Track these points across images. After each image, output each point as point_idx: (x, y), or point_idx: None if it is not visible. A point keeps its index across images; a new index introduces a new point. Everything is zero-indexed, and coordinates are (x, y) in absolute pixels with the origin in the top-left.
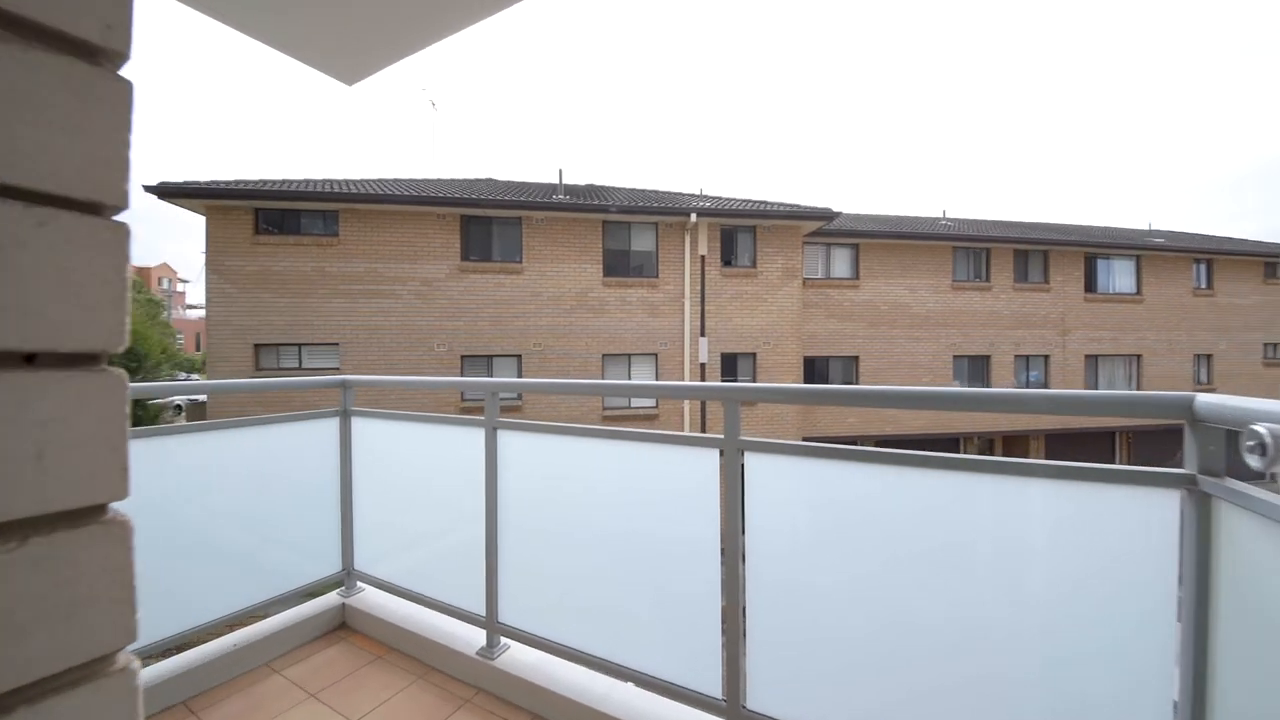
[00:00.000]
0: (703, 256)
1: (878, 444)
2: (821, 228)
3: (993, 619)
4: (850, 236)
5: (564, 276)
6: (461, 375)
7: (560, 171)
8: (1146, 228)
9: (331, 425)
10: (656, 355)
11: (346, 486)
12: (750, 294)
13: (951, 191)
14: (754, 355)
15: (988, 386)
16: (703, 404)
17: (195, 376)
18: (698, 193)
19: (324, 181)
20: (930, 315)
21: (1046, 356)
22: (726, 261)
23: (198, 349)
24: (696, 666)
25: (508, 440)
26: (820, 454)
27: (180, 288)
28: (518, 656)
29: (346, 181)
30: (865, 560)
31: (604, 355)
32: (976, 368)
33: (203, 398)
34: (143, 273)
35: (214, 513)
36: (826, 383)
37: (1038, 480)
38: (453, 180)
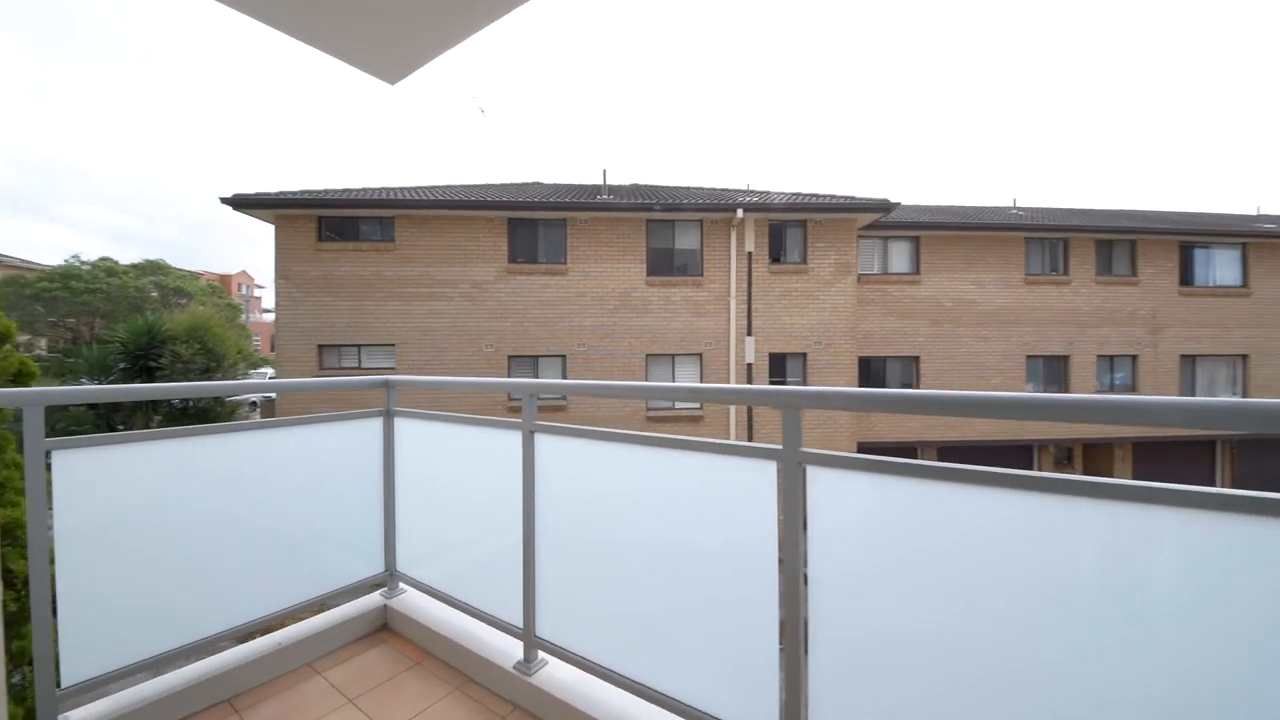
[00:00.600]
0: (749, 253)
1: (939, 451)
2: (878, 220)
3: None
4: (910, 229)
5: (607, 276)
6: (509, 375)
7: (604, 172)
8: (1255, 213)
9: (375, 425)
10: (701, 355)
11: (389, 486)
12: (800, 291)
13: (1017, 181)
14: (804, 356)
15: (1066, 390)
16: (749, 409)
17: (269, 374)
18: (744, 188)
19: (381, 190)
20: (1000, 312)
21: (1134, 357)
22: (775, 258)
23: (272, 349)
24: (749, 701)
25: (546, 445)
26: (903, 471)
27: (257, 293)
28: (555, 674)
29: (401, 189)
30: (966, 602)
31: (647, 355)
32: (1053, 369)
33: (274, 395)
34: (224, 280)
35: (262, 510)
36: (884, 385)
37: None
38: (500, 185)
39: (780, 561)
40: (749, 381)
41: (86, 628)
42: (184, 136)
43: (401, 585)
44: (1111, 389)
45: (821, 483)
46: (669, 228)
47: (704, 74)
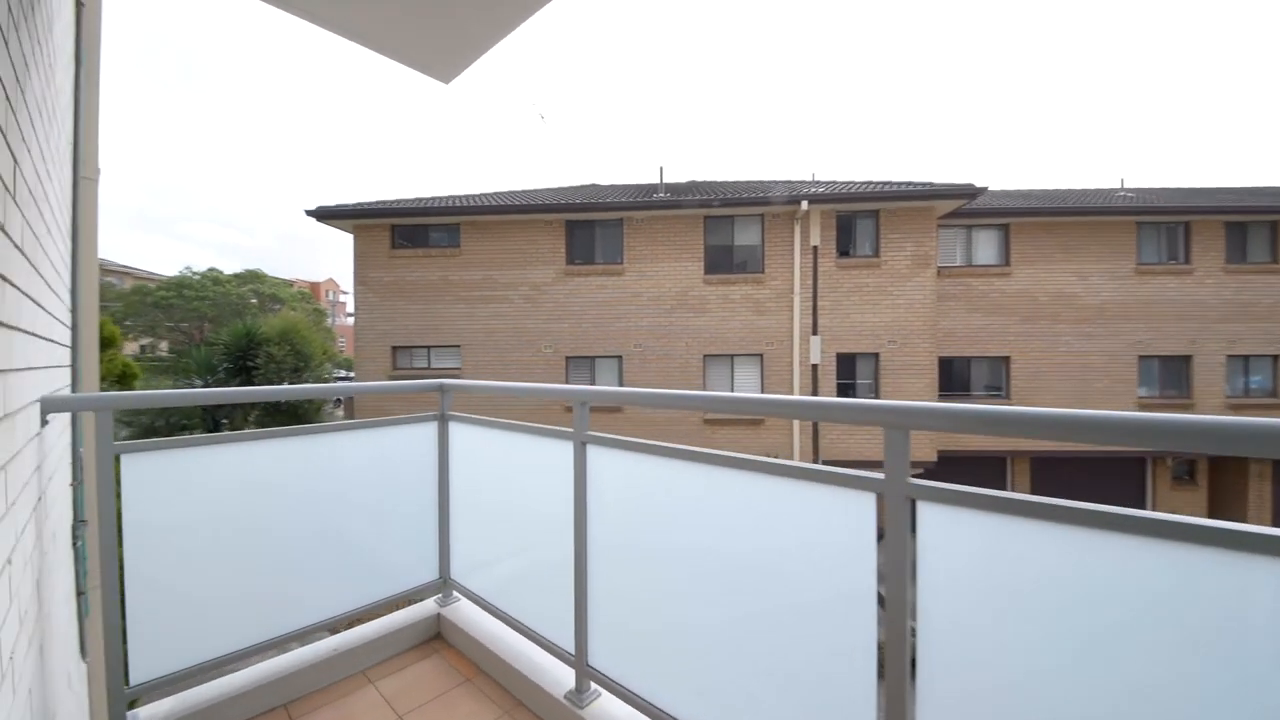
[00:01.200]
0: (815, 247)
1: (1034, 462)
2: (961, 208)
3: None
4: (998, 216)
5: (664, 276)
6: (566, 376)
7: (660, 170)
8: None
9: (430, 429)
10: (762, 356)
11: (444, 492)
12: (872, 286)
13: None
14: (876, 356)
15: (1187, 393)
16: None
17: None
18: (809, 179)
19: (448, 198)
20: (1107, 306)
21: (1275, 357)
22: (843, 251)
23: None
24: None
25: (599, 457)
26: (1053, 516)
27: (341, 298)
28: (609, 709)
29: (465, 197)
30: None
31: (705, 356)
32: (1172, 372)
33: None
34: (314, 287)
35: (321, 514)
36: (968, 389)
37: None
38: (558, 189)
39: (880, 609)
40: (814, 385)
41: (152, 628)
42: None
43: (455, 594)
44: (1246, 393)
45: (934, 522)
46: (728, 224)
47: (763, 65)
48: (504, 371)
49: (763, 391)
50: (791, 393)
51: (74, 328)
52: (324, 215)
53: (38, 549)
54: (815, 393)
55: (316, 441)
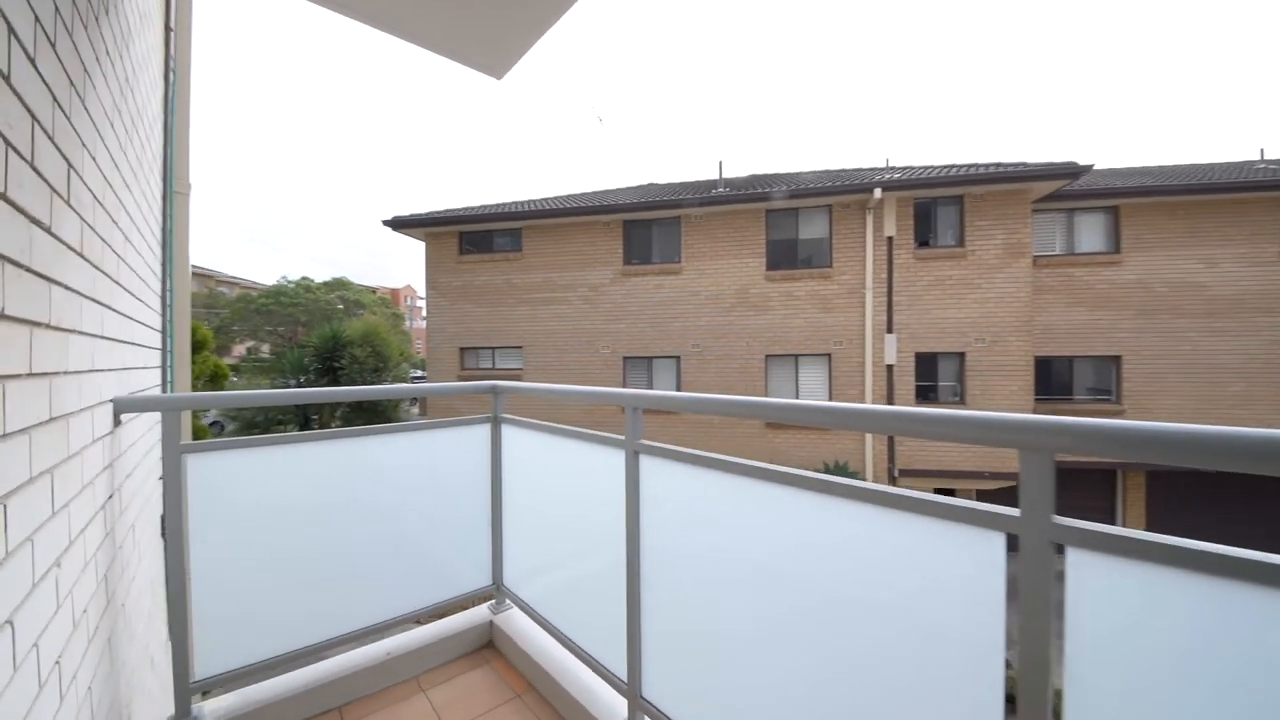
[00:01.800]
0: (889, 238)
1: (1149, 477)
2: (1061, 189)
3: None
4: (1105, 197)
5: (723, 273)
6: (624, 376)
7: (720, 164)
8: None
9: (483, 431)
10: (829, 356)
11: (496, 495)
12: (956, 279)
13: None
14: (961, 356)
15: None
16: None
17: (426, 375)
18: (882, 165)
19: (510, 204)
20: (1243, 298)
21: None
22: (922, 242)
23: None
24: None
25: (653, 468)
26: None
27: (418, 303)
28: None
29: (527, 202)
30: None
31: (767, 356)
32: None
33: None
34: (394, 293)
35: (378, 515)
36: (1069, 393)
37: None
38: (616, 190)
39: (1011, 676)
40: (889, 387)
41: (216, 625)
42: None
43: (507, 602)
44: None
45: (1090, 574)
46: (791, 217)
47: (828, 51)
48: (563, 372)
49: (831, 396)
50: (864, 396)
51: (166, 332)
52: (398, 225)
53: (109, 544)
54: (891, 397)
55: (372, 443)
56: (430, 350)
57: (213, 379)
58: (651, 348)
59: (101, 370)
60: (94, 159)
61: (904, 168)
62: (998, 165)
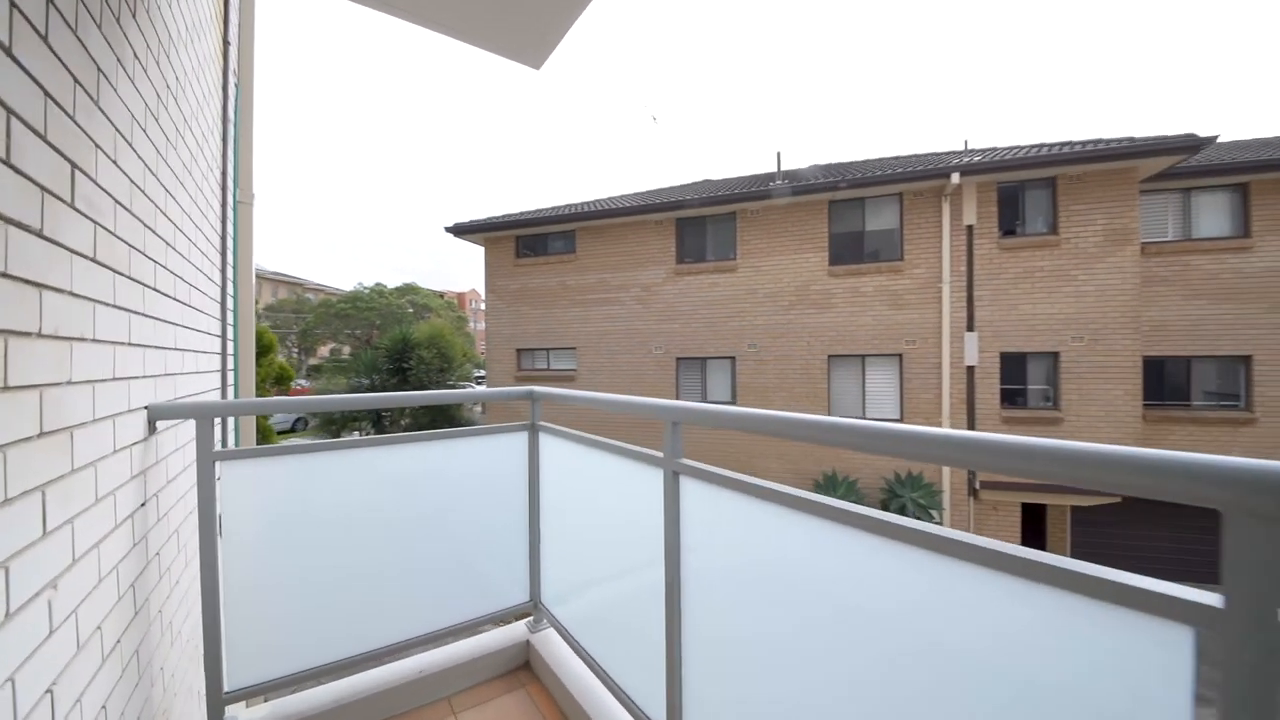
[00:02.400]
0: (969, 227)
1: None
2: (1175, 166)
3: None
4: (1231, 173)
5: (781, 270)
6: (676, 377)
7: (778, 155)
8: None
9: (520, 440)
10: (900, 356)
11: (534, 507)
12: (1048, 270)
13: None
14: (1054, 356)
15: None
16: (970, 421)
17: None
18: (960, 148)
19: (563, 207)
20: None
21: None
22: (1008, 230)
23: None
24: None
25: (695, 493)
26: None
27: (481, 306)
28: None
29: (581, 204)
30: None
31: (830, 357)
32: None
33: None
34: (460, 297)
35: (412, 526)
36: (1186, 398)
37: None
38: (669, 188)
39: None
40: (969, 391)
41: (248, 636)
42: (424, 176)
43: (545, 621)
44: None
45: None
46: (857, 208)
47: (892, 34)
48: (615, 373)
49: (901, 399)
50: (940, 400)
51: (225, 337)
52: (459, 231)
53: (139, 554)
54: (971, 402)
55: (407, 451)
56: (489, 352)
57: (278, 381)
58: (705, 348)
59: (131, 378)
60: (113, 162)
61: (984, 149)
62: (1097, 142)
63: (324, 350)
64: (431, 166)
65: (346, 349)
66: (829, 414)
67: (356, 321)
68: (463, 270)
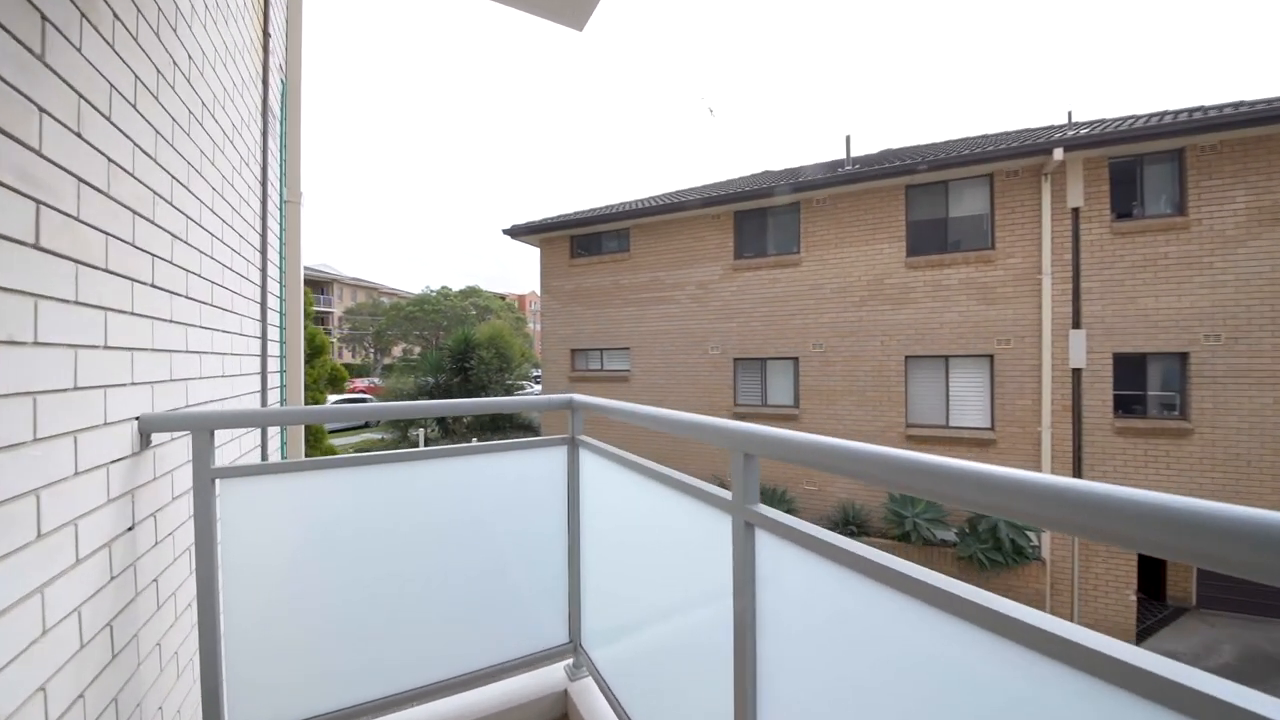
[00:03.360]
0: (1075, 210)
1: None
2: None
3: None
4: None
5: (852, 263)
6: (734, 379)
7: (847, 139)
8: None
9: (559, 456)
10: (991, 358)
11: (574, 534)
12: (1174, 257)
13: None
14: (1182, 357)
15: None
16: (1076, 431)
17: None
18: (1064, 121)
19: (617, 205)
20: None
21: None
22: (1123, 213)
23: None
24: None
25: (775, 554)
26: None
27: (538, 307)
28: None
29: (636, 201)
30: None
31: (907, 358)
32: None
33: (537, 388)
34: (520, 299)
35: (436, 553)
36: None
37: None
38: (726, 181)
39: None
40: (1075, 398)
41: (249, 675)
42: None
43: (584, 669)
44: None
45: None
46: (939, 192)
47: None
48: (670, 374)
49: (992, 405)
50: (1039, 407)
51: (266, 339)
52: (516, 233)
53: (119, 587)
54: (1078, 410)
55: (431, 468)
56: (544, 352)
57: (331, 382)
58: (765, 348)
59: (116, 385)
60: (120, 166)
61: (1093, 121)
62: (1236, 105)
63: (397, 350)
64: (491, 173)
65: (417, 349)
66: (905, 420)
67: (423, 323)
68: (523, 273)
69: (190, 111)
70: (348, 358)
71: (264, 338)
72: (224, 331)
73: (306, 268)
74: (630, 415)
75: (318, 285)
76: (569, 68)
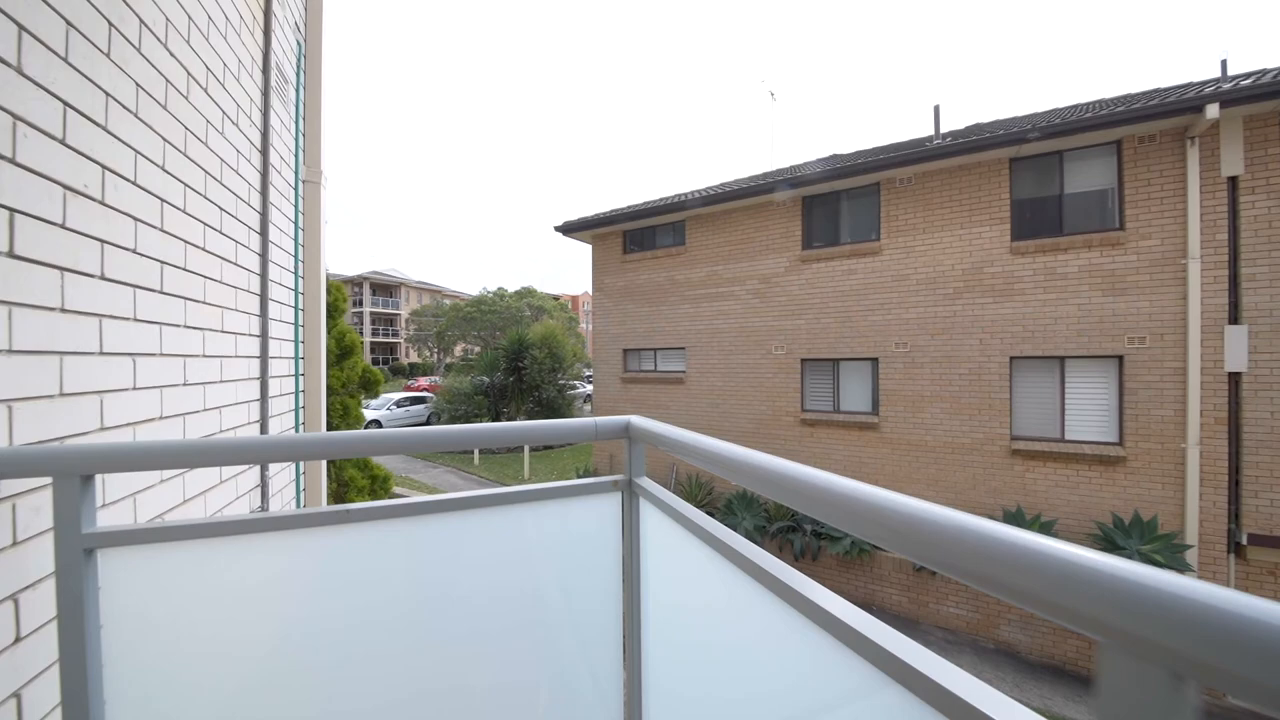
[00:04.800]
0: (1231, 179)
1: None
2: None
3: None
4: None
5: (943, 249)
6: (801, 380)
7: (935, 109)
8: None
9: (609, 506)
10: (1120, 359)
11: (630, 610)
12: None
13: None
14: None
15: None
16: (1234, 449)
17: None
18: (1214, 76)
19: (672, 196)
20: None
21: None
22: None
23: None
24: None
25: None
26: None
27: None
28: None
29: (692, 192)
30: None
31: (1012, 359)
32: None
33: (589, 388)
34: (573, 300)
35: (435, 650)
36: None
37: None
38: (790, 167)
39: None
40: (1233, 406)
41: None
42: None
43: None
44: None
45: None
46: (1051, 164)
47: None
48: (728, 376)
49: (1121, 417)
50: (1184, 418)
51: (268, 335)
52: (568, 229)
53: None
54: (1235, 421)
55: (433, 526)
56: (595, 352)
57: (364, 386)
58: (838, 347)
59: None
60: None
61: (1254, 72)
62: None
63: (459, 350)
64: (547, 173)
65: (477, 349)
66: (1010, 431)
67: (480, 323)
68: (576, 274)
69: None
70: (414, 357)
71: (264, 335)
72: (180, 326)
73: (375, 272)
74: (703, 451)
75: (386, 289)
76: (626, 59)
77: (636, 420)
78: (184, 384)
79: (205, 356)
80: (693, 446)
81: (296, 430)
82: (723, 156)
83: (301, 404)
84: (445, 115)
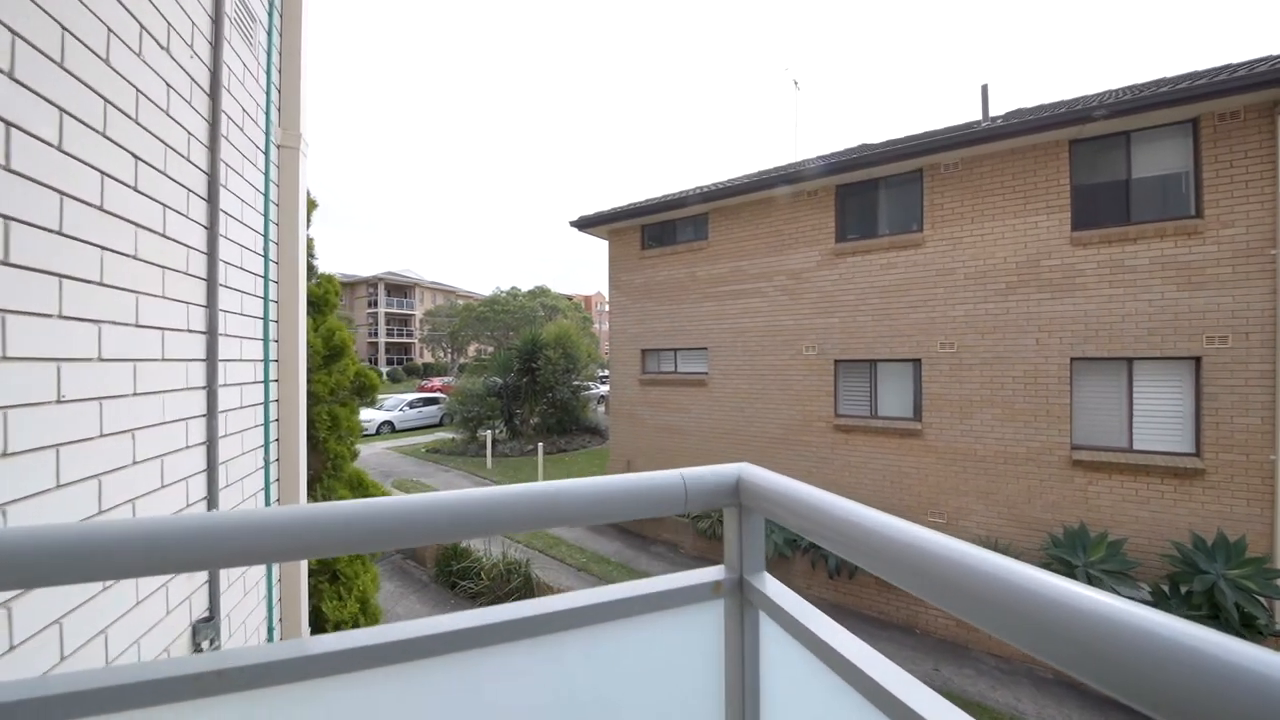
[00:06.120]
0: None
1: None
2: None
3: None
4: None
5: (994, 240)
6: (835, 383)
7: (984, 88)
8: None
9: (709, 620)
10: (1197, 360)
11: None
12: None
13: None
14: None
15: None
16: None
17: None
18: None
19: (695, 189)
20: None
21: None
22: None
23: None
24: None
25: None
26: None
27: (606, 307)
28: None
29: (715, 184)
30: None
31: (1073, 360)
32: None
33: (604, 389)
34: (587, 300)
35: None
36: None
37: None
38: (820, 156)
39: None
40: None
41: None
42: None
43: None
44: None
45: None
46: (1117, 146)
47: None
48: (755, 378)
49: (1198, 425)
50: (1273, 426)
51: (214, 332)
52: (583, 225)
53: None
54: None
55: (445, 675)
56: (612, 353)
57: (359, 392)
58: (875, 348)
59: None
60: None
61: None
62: None
63: (473, 350)
64: (561, 170)
65: (491, 349)
66: (1070, 440)
67: (494, 323)
68: (589, 274)
69: None
70: (428, 358)
71: (212, 331)
72: (62, 318)
73: (390, 273)
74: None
75: (401, 289)
76: (642, 51)
77: (750, 472)
78: (56, 401)
79: (102, 360)
80: (821, 507)
81: (267, 447)
82: (743, 151)
83: (274, 416)
84: (460, 115)
